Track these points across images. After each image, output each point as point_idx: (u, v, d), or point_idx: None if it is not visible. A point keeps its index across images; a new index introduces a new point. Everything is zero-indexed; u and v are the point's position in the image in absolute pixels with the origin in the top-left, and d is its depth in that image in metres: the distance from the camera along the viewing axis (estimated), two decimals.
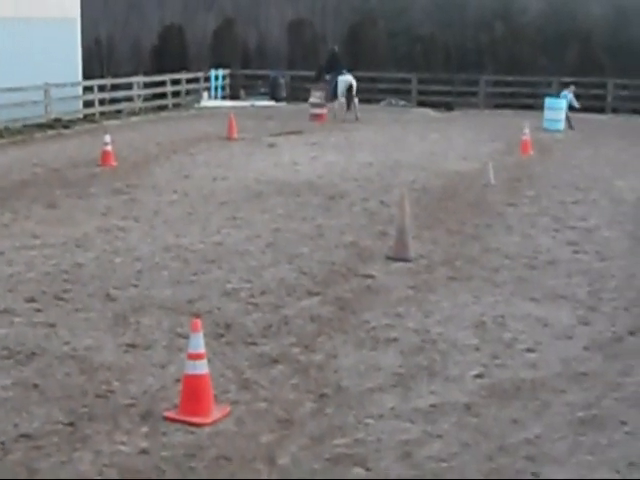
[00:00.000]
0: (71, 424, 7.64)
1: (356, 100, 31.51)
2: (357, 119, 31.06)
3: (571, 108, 29.98)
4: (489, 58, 48.66)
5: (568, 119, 29.59)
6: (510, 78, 37.30)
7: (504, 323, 10.29)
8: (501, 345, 9.60)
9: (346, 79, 31.09)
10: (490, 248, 13.72)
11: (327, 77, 31.75)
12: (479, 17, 55.07)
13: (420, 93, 37.92)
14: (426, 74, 39.36)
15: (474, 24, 54.63)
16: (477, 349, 9.48)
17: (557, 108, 29.69)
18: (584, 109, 33.54)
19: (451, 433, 7.52)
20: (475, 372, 8.85)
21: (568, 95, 30.15)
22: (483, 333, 9.97)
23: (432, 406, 8.04)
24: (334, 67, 31.77)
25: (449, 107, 36.35)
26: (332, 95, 31.28)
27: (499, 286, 11.75)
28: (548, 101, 30.14)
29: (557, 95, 31.37)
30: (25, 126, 27.78)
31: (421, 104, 37.24)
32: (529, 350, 9.45)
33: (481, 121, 32.40)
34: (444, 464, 6.99)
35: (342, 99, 31.31)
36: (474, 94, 37.74)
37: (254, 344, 9.54)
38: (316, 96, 31.55)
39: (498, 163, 20.40)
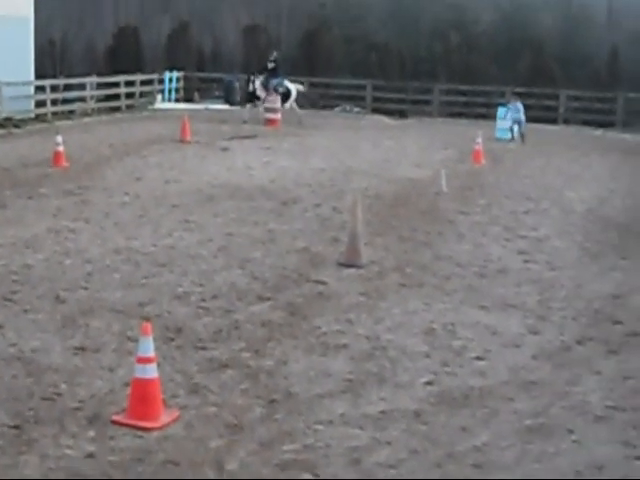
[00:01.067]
0: (17, 427, 7.56)
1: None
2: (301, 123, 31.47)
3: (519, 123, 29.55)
4: (443, 67, 49.02)
5: (521, 133, 29.36)
6: (464, 87, 37.65)
7: (454, 331, 10.32)
8: (451, 353, 9.63)
9: (296, 87, 31.67)
10: (441, 256, 13.77)
11: (273, 82, 31.67)
12: (433, 26, 55.48)
13: (375, 100, 38.06)
14: (381, 81, 39.58)
15: (428, 33, 55.02)
16: (427, 356, 9.50)
17: (507, 118, 29.95)
18: (535, 120, 33.88)
19: (400, 440, 7.53)
20: (425, 379, 8.86)
21: (519, 106, 29.62)
22: (433, 340, 10.00)
23: (381, 413, 8.04)
24: (277, 74, 31.86)
25: (403, 115, 36.54)
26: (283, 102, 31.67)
27: (449, 294, 11.80)
28: (500, 110, 30.41)
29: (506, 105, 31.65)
30: None
31: (375, 111, 37.37)
32: (478, 358, 9.48)
33: (435, 129, 32.59)
34: (393, 471, 6.99)
35: (293, 104, 31.53)
36: (428, 102, 37.98)
37: (204, 348, 9.50)
38: (271, 100, 31.55)
39: (450, 171, 20.51)
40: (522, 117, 28.95)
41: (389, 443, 7.46)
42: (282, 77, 31.79)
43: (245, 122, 30.86)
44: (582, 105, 37.12)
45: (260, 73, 31.80)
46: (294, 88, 31.50)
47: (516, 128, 28.90)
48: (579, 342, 10.09)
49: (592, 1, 64.13)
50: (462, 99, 37.66)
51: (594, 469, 7.14)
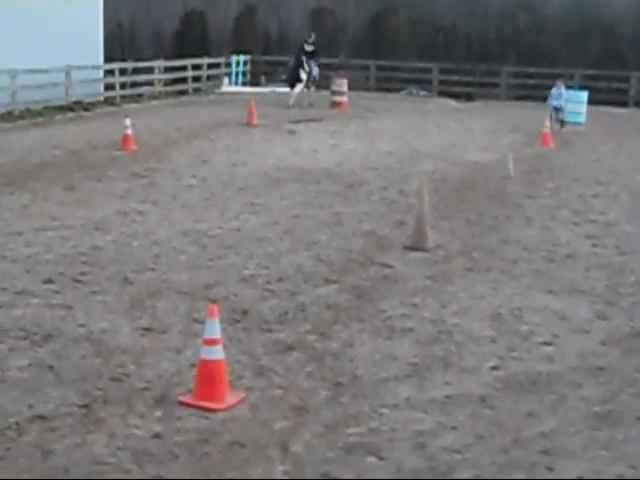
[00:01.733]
0: (86, 406, 7.65)
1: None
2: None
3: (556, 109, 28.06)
4: (511, 49, 48.46)
5: (561, 120, 27.88)
6: (532, 70, 37.12)
7: (521, 315, 10.24)
8: (517, 338, 9.56)
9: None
10: (509, 240, 13.67)
11: (312, 64, 31.37)
12: (502, 8, 54.85)
13: (441, 83, 37.84)
14: (447, 64, 39.26)
15: (496, 15, 54.41)
16: (493, 341, 9.44)
17: (579, 101, 29.50)
18: (606, 102, 33.35)
19: (466, 425, 7.49)
20: (491, 364, 8.80)
21: (562, 91, 28.22)
22: (500, 325, 9.93)
23: (447, 397, 8.01)
24: (315, 56, 31.69)
25: (470, 98, 36.29)
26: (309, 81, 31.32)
27: (517, 278, 11.71)
28: (569, 94, 29.98)
29: (580, 88, 31.16)
30: (46, 108, 27.84)
31: (442, 94, 37.17)
32: (546, 343, 9.40)
33: (502, 112, 32.30)
34: (458, 456, 6.96)
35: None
36: (495, 85, 37.64)
37: (270, 331, 9.53)
38: (337, 84, 31.48)
39: (518, 155, 20.33)
40: (562, 103, 27.85)
41: (454, 428, 7.42)
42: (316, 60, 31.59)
43: (291, 106, 30.57)
44: None
45: (301, 61, 31.06)
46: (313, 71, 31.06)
47: (554, 114, 27.60)
48: None
49: None
50: (530, 82, 37.11)
51: None
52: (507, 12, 52.98)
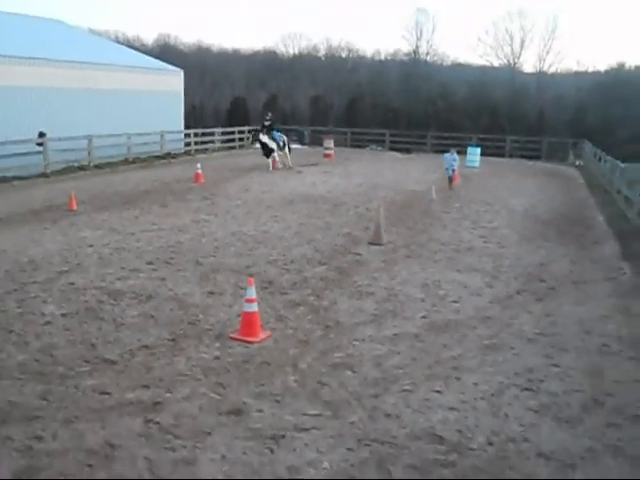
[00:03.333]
0: (173, 340, 7.65)
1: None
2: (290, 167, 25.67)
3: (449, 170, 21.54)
4: (433, 121, 48.63)
5: (450, 177, 21.53)
6: (446, 134, 37.16)
7: (439, 285, 10.22)
8: (437, 298, 9.54)
9: (285, 138, 26.00)
10: (432, 238, 13.63)
11: (276, 135, 25.63)
12: (427, 96, 55.05)
13: (391, 142, 37.65)
14: (395, 131, 39.26)
15: (424, 100, 54.66)
16: (422, 300, 9.43)
17: (475, 154, 29.43)
18: (492, 154, 33.35)
19: (406, 352, 7.49)
20: (421, 314, 8.80)
21: (455, 156, 21.72)
22: (427, 290, 9.91)
23: (394, 335, 8.01)
24: (274, 128, 26.02)
25: (408, 151, 36.13)
26: (280, 148, 25.47)
27: (437, 262, 11.68)
28: (469, 149, 29.97)
29: (477, 145, 30.99)
30: (149, 156, 27.72)
31: (391, 149, 37.02)
32: (454, 302, 9.39)
33: (428, 161, 32.12)
34: (401, 370, 6.96)
35: (285, 151, 26.02)
36: (424, 144, 37.47)
37: (286, 294, 9.51)
38: (327, 143, 31.36)
39: (438, 186, 20.26)
40: (454, 165, 21.27)
41: (399, 353, 7.43)
42: (278, 131, 26.09)
43: (270, 171, 24.48)
44: (520, 145, 36.45)
45: (260, 130, 25.78)
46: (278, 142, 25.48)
47: (450, 172, 21.35)
48: (518, 293, 9.95)
49: (526, 78, 63.05)
50: (445, 141, 36.96)
51: (526, 371, 7.04)
52: (431, 98, 53.02)
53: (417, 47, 68.35)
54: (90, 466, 5.06)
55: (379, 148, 37.88)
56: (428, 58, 68.51)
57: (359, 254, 12.08)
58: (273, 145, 24.92)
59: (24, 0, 68.01)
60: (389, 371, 6.94)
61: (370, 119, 50.79)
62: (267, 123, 25.93)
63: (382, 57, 73.56)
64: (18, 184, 20.03)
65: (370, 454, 5.40)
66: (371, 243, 12.85)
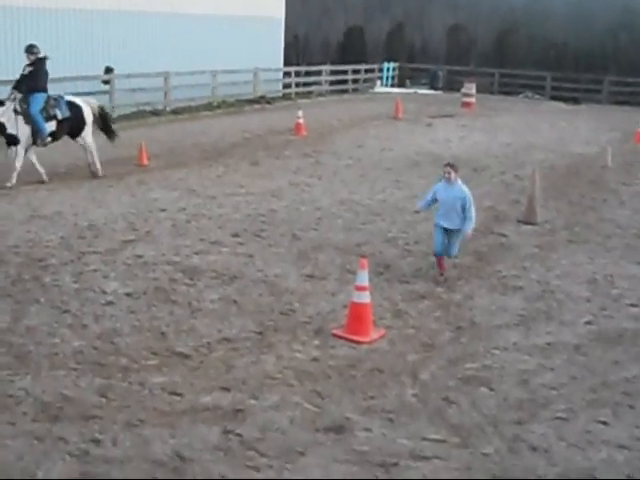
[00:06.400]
0: (260, 333, 7.82)
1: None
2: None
3: None
4: (612, 62, 46.71)
5: None
6: (630, 79, 35.67)
7: (613, 281, 9.92)
8: (609, 299, 9.27)
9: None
10: (604, 218, 13.21)
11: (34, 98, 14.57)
12: (605, 28, 52.92)
13: (553, 89, 36.70)
14: (558, 73, 38.12)
15: (601, 33, 52.53)
16: (588, 301, 9.19)
17: None
18: None
19: (562, 367, 7.33)
20: (585, 319, 8.59)
21: None
22: (594, 288, 9.65)
23: (547, 344, 7.86)
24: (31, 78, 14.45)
25: (577, 101, 35.09)
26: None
27: (610, 250, 11.33)
28: None
29: None
30: (237, 100, 28.30)
31: (553, 98, 36.07)
32: (633, 305, 9.09)
33: (603, 114, 31.01)
34: (554, 392, 6.82)
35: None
36: (598, 92, 36.25)
37: (407, 282, 9.50)
38: (467, 87, 30.89)
39: (615, 149, 19.53)
40: None
41: (552, 369, 7.28)
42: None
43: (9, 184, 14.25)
44: None
45: None
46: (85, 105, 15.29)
47: None
48: None
49: None
50: (627, 89, 35.63)
51: None
52: (610, 30, 51.01)
53: None
54: None
55: (536, 96, 37.01)
56: None
57: (505, 235, 11.87)
58: (22, 131, 14.15)
59: None
60: (538, 391, 6.81)
61: (525, 57, 49.44)
62: (27, 69, 14.47)
63: None
64: None
65: None
66: (521, 222, 12.61)
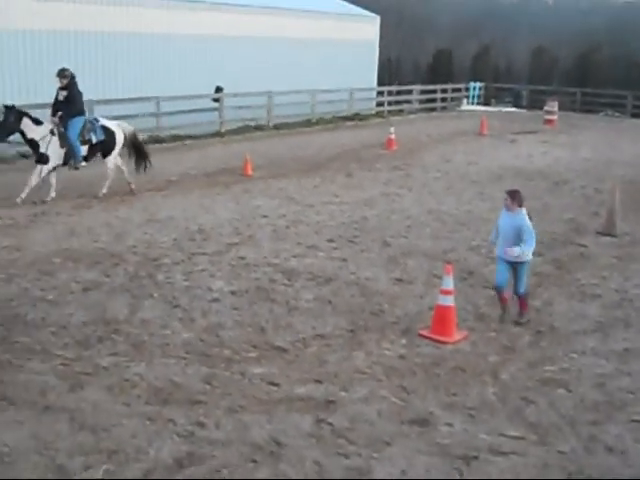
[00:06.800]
0: (352, 331, 7.83)
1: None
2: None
3: None
4: None
5: None
6: None
7: None
8: None
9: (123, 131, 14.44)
10: None
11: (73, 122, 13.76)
12: None
13: (634, 107, 35.48)
14: None
15: None
16: None
17: None
18: None
19: (639, 372, 7.08)
20: None
21: None
22: None
23: (625, 350, 7.62)
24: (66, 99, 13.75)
25: None
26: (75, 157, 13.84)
27: None
28: None
29: None
30: (334, 117, 28.44)
31: (634, 116, 34.90)
32: None
33: None
34: (631, 395, 6.60)
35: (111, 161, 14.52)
36: None
37: (489, 288, 9.34)
38: (550, 105, 30.24)
39: None
40: None
41: (629, 374, 7.05)
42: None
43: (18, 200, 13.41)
44: None
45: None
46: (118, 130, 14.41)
47: None
48: None
49: None
50: None
51: None
52: None
53: None
54: (254, 462, 5.34)
55: (617, 114, 35.87)
56: None
57: (584, 246, 11.57)
58: (53, 152, 13.56)
59: None
60: (614, 394, 6.61)
61: (607, 77, 48.20)
62: (62, 94, 13.81)
63: None
64: (190, 143, 21.48)
65: None
66: (601, 233, 12.26)
